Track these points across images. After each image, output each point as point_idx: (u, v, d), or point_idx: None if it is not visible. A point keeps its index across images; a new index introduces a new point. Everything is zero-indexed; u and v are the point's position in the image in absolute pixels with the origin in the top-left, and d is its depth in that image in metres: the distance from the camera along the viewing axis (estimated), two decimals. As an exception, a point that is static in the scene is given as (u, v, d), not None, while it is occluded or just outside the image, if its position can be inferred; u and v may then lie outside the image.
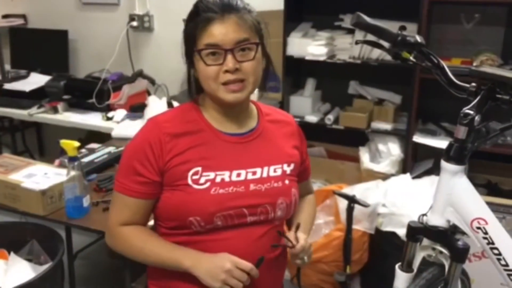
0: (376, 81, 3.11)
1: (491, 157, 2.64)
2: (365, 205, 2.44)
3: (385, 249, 2.50)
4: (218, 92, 1.18)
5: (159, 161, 1.19)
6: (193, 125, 1.24)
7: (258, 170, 1.24)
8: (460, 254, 1.13)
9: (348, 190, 2.62)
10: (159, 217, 1.28)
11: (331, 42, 2.98)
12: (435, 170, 2.84)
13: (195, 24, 1.16)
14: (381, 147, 2.94)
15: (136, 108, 3.16)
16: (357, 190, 2.61)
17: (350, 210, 2.43)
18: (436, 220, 1.16)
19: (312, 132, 3.22)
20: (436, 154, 2.88)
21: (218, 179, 1.20)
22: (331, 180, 2.96)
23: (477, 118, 1.10)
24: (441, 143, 2.76)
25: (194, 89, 1.26)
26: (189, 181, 1.18)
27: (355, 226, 2.49)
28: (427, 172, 2.83)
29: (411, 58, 1.27)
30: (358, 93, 3.15)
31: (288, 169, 1.29)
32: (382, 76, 3.07)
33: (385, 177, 2.79)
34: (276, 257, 1.30)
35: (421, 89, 2.77)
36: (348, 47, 2.93)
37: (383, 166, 2.88)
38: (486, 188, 2.77)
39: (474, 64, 2.62)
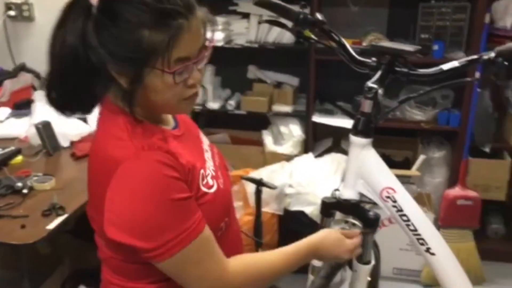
0: (274, 64, 3.15)
1: (382, 131, 2.80)
2: (272, 187, 2.46)
3: (295, 228, 2.55)
4: (177, 108, 0.98)
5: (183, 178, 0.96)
6: (160, 133, 0.99)
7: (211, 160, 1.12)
8: (372, 224, 1.17)
9: (255, 174, 2.62)
10: None
11: (227, 27, 2.95)
12: (334, 147, 2.95)
13: (161, 35, 0.86)
14: (283, 129, 2.99)
15: (21, 105, 2.89)
16: (263, 173, 2.63)
17: (258, 194, 2.43)
18: (348, 193, 1.19)
19: (214, 119, 3.20)
20: (334, 133, 2.99)
21: (210, 175, 1.05)
22: (236, 165, 2.95)
23: (380, 91, 1.13)
24: (338, 121, 2.87)
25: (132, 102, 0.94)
26: (203, 188, 1.01)
27: (264, 209, 2.50)
28: (328, 150, 2.93)
29: (313, 36, 1.27)
30: (257, 78, 3.16)
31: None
32: (280, 59, 3.11)
33: (289, 158, 2.84)
34: None
35: (317, 70, 2.85)
36: (244, 31, 2.93)
37: (286, 148, 2.93)
38: (381, 161, 2.94)
39: (364, 44, 2.75)
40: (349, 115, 2.91)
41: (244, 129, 3.19)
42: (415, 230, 1.13)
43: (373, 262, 1.23)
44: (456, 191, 2.71)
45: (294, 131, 2.95)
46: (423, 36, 2.77)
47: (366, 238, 1.19)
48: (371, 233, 1.18)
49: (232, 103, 3.04)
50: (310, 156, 2.80)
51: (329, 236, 1.13)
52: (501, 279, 2.77)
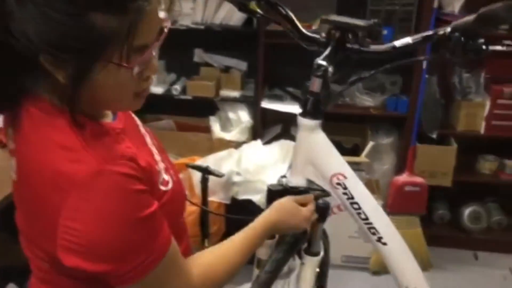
0: (222, 48, 3.02)
1: (332, 117, 2.75)
2: (219, 175, 2.36)
3: (242, 215, 2.47)
4: (127, 105, 0.86)
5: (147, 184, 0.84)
6: (110, 133, 0.85)
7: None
8: (321, 213, 1.09)
9: (201, 161, 2.51)
10: None
11: (171, 8, 2.79)
12: (283, 134, 2.88)
13: (118, 20, 0.71)
14: (231, 115, 2.89)
15: None
16: (210, 160, 2.53)
17: (204, 182, 2.33)
18: (296, 180, 1.10)
19: (158, 104, 3.05)
20: (283, 119, 2.92)
21: (163, 169, 0.93)
22: (182, 153, 2.83)
23: (330, 69, 1.05)
24: (288, 107, 2.80)
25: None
26: (161, 187, 0.90)
27: (210, 198, 2.41)
28: (277, 137, 2.85)
29: (259, 10, 1.17)
30: (204, 61, 3.03)
31: None
32: (227, 42, 2.99)
33: (237, 145, 2.75)
34: None
35: (266, 55, 2.76)
36: (189, 12, 2.79)
37: (234, 134, 2.83)
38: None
39: (314, 27, 2.67)
40: (299, 101, 2.83)
41: (190, 115, 3.06)
42: (366, 218, 1.06)
43: (322, 253, 1.16)
44: (404, 177, 2.70)
45: (242, 117, 2.85)
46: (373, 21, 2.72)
47: (315, 228, 1.11)
48: (320, 222, 1.10)
49: (177, 87, 2.90)
50: (258, 143, 2.72)
51: (283, 207, 1.06)
52: (447, 264, 2.80)
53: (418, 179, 2.67)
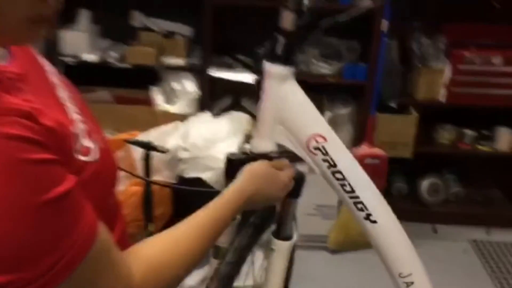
0: (163, 10, 2.71)
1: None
2: (163, 151, 2.10)
3: (191, 198, 2.22)
4: (18, 36, 0.58)
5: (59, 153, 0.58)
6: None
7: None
8: (295, 186, 0.86)
9: (143, 136, 2.23)
10: None
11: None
12: (234, 105, 2.64)
13: None
14: (175, 85, 2.61)
15: None
16: (153, 135, 2.26)
17: (146, 159, 2.06)
18: (263, 145, 0.86)
19: (92, 74, 2.71)
20: (234, 89, 2.67)
21: (83, 131, 0.67)
22: (121, 128, 2.52)
23: (305, 1, 0.81)
24: (239, 76, 2.55)
25: None
26: (79, 156, 0.63)
27: (154, 177, 2.14)
28: (227, 109, 2.61)
29: None
30: (143, 25, 2.71)
31: None
32: (170, 4, 2.69)
33: (183, 118, 2.49)
34: None
35: (214, 19, 2.50)
36: (125, -32, 2.46)
37: (179, 106, 2.56)
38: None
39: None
40: (251, 69, 2.59)
41: (129, 86, 2.75)
42: (352, 191, 0.85)
43: (295, 236, 0.94)
44: (363, 149, 2.54)
45: (188, 87, 2.58)
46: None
47: (287, 205, 0.88)
48: (293, 198, 0.88)
49: (114, 54, 2.57)
50: (207, 115, 2.47)
51: (258, 173, 0.83)
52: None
53: (378, 151, 2.53)
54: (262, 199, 0.82)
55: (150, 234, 2.11)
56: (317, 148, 0.83)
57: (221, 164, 2.30)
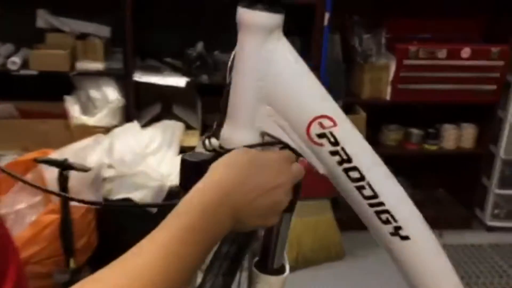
0: (75, 8, 2.34)
1: (212, 90, 2.27)
2: (84, 170, 1.74)
3: (121, 222, 1.88)
4: None
5: None
6: None
7: None
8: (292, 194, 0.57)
9: (57, 154, 1.86)
10: None
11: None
12: (165, 113, 2.32)
13: None
14: (94, 93, 2.25)
15: None
16: (69, 152, 1.90)
17: (63, 180, 1.69)
18: (239, 135, 0.57)
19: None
20: (163, 95, 2.36)
21: None
22: (30, 146, 2.13)
23: None
24: (168, 80, 2.24)
25: None
26: None
27: (74, 202, 1.77)
28: (157, 118, 2.29)
29: None
30: (51, 26, 2.33)
31: None
32: (83, 1, 2.33)
33: (106, 131, 2.13)
34: None
35: (135, 16, 2.18)
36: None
37: (100, 118, 2.20)
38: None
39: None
40: (181, 71, 2.29)
41: (38, 97, 2.33)
42: (374, 196, 0.58)
43: (288, 268, 0.65)
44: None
45: (109, 95, 2.23)
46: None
47: (278, 224, 0.60)
48: (287, 213, 0.59)
49: (16, 60, 2.17)
50: (135, 125, 2.14)
51: (238, 159, 0.53)
52: (360, 249, 2.48)
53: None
54: (257, 196, 0.49)
55: (73, 272, 1.74)
56: (323, 136, 0.56)
57: (153, 182, 1.97)
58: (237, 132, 0.57)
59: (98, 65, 2.25)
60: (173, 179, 1.94)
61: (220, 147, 0.58)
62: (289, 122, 0.56)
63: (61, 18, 2.34)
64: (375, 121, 2.57)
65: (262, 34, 0.53)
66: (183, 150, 2.14)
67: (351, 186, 0.59)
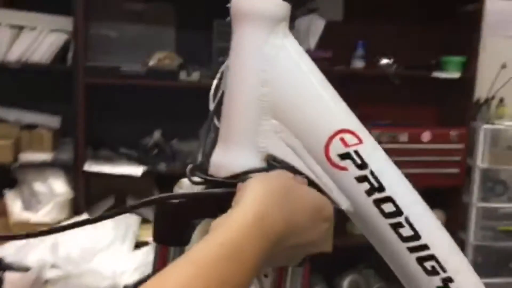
0: (21, 96, 2.20)
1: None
2: (22, 270, 1.50)
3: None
4: None
5: None
6: None
7: None
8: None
9: (-8, 253, 1.61)
10: None
11: None
12: (118, 206, 2.11)
13: None
14: (38, 186, 2.04)
15: None
16: (7, 250, 1.64)
17: (-4, 282, 1.43)
18: (238, 158, 0.43)
19: None
20: (116, 187, 2.17)
21: None
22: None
23: None
24: (122, 169, 2.08)
25: None
26: None
27: (8, 309, 1.50)
28: (110, 211, 2.07)
29: None
30: (-5, 117, 2.16)
31: None
32: (31, 88, 2.20)
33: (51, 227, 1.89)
34: None
35: (88, 104, 2.06)
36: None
37: (45, 213, 1.97)
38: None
39: (151, 63, 2.09)
40: (137, 161, 2.14)
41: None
42: (416, 237, 0.43)
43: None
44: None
45: (56, 187, 2.03)
46: (221, 59, 2.25)
47: (289, 277, 0.44)
48: (299, 266, 0.44)
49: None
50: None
51: (274, 184, 0.39)
52: None
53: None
54: (294, 236, 0.37)
55: None
56: (346, 156, 0.42)
57: (104, 282, 1.72)
58: (233, 155, 0.43)
59: (45, 156, 2.07)
60: (128, 277, 1.70)
61: (211, 176, 0.43)
62: (302, 141, 0.43)
63: (4, 108, 2.19)
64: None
65: (267, 26, 0.42)
66: (138, 245, 1.92)
67: (384, 224, 0.45)
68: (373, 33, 2.42)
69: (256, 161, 0.43)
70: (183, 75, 2.09)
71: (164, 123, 2.29)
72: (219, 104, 0.51)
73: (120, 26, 2.28)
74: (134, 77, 2.06)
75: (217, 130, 0.48)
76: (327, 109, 0.44)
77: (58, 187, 2.03)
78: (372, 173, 0.44)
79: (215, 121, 0.51)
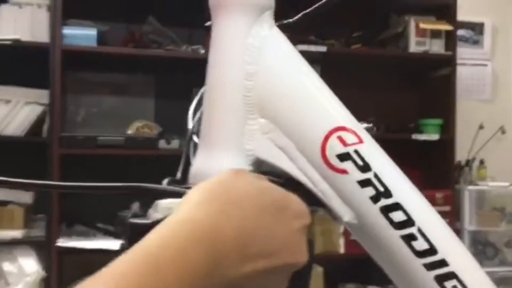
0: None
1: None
2: None
3: None
4: None
5: None
6: None
7: None
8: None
9: None
10: None
11: None
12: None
13: None
14: (7, 266, 1.89)
15: None
16: None
17: None
18: (221, 162, 0.37)
19: None
20: (92, 265, 2.03)
21: None
22: None
23: None
24: (100, 244, 1.96)
25: None
26: None
27: None
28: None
29: None
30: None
31: None
32: (3, 166, 2.11)
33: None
34: None
35: (62, 176, 1.98)
36: None
37: (13, 295, 1.81)
38: None
39: (129, 132, 2.05)
40: (114, 235, 2.03)
41: None
42: (433, 251, 0.37)
43: None
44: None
45: (27, 267, 1.89)
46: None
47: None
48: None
49: None
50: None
51: (228, 186, 0.32)
52: None
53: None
54: (257, 242, 0.30)
55: None
56: (346, 157, 0.36)
57: None
58: (216, 160, 0.37)
59: (15, 233, 1.94)
60: None
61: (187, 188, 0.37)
62: (295, 141, 0.38)
63: (-24, 185, 2.09)
64: (334, 277, 2.36)
65: (250, 15, 0.38)
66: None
67: (395, 237, 0.38)
68: (352, 98, 2.44)
69: (242, 166, 0.37)
70: (162, 144, 2.04)
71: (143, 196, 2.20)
72: (198, 123, 0.47)
73: (99, 98, 2.27)
74: (112, 146, 2.00)
75: (196, 148, 0.43)
76: (322, 105, 0.39)
77: (29, 266, 1.90)
78: (376, 175, 0.38)
79: (195, 139, 0.46)
